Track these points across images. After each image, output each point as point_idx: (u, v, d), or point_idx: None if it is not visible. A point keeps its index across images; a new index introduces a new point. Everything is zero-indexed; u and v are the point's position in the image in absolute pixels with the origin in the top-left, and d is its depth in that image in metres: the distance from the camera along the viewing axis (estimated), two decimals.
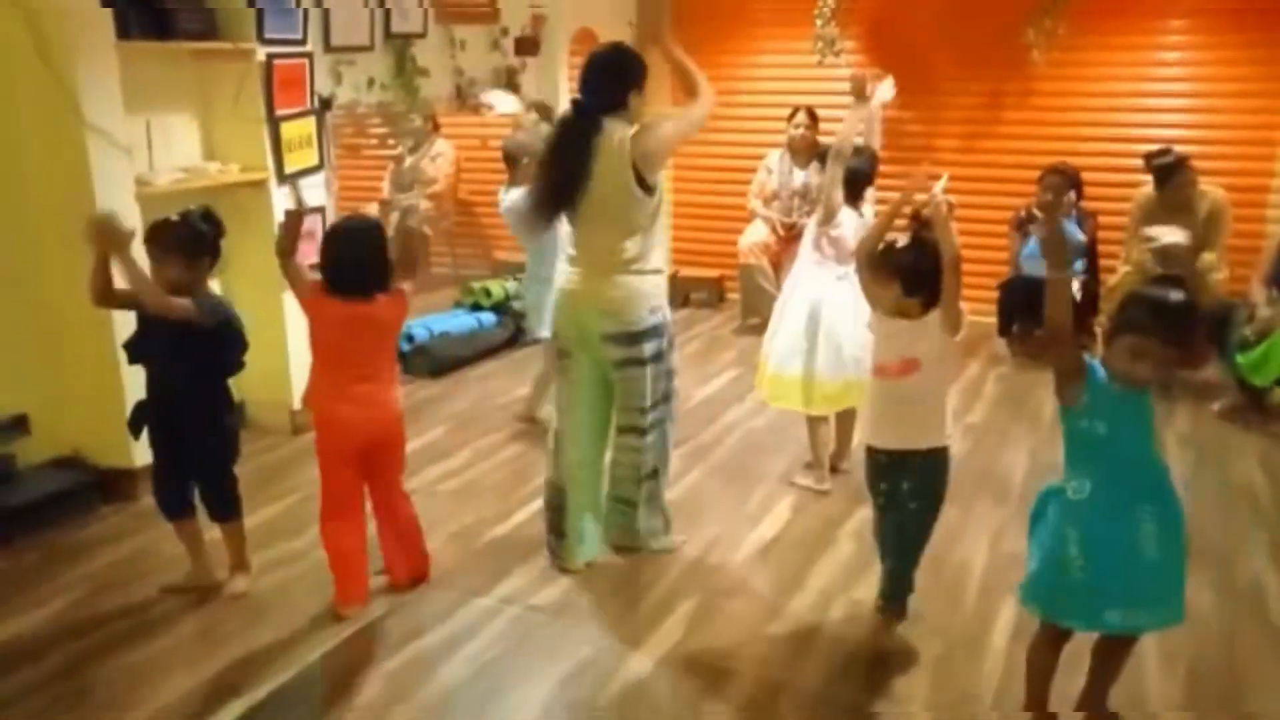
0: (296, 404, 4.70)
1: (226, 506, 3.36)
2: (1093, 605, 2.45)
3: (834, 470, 4.21)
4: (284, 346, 4.64)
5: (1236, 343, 4.86)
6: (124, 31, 3.88)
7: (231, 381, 3.30)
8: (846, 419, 4.21)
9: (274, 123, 4.47)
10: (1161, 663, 2.92)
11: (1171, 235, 5.17)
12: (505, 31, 6.21)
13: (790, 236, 6.43)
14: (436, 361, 5.72)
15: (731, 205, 6.93)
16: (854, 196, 3.97)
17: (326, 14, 4.73)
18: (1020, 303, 5.91)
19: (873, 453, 3.06)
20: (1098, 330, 5.97)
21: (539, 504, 4.05)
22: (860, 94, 3.85)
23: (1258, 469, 4.38)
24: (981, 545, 3.64)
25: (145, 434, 3.26)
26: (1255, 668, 2.98)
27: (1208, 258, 5.26)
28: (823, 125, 6.29)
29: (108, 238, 3.00)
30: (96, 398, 3.93)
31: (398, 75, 5.55)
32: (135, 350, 3.22)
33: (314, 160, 4.69)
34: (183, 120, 4.44)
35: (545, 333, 4.63)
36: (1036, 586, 2.54)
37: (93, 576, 3.49)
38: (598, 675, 2.95)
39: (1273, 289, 4.99)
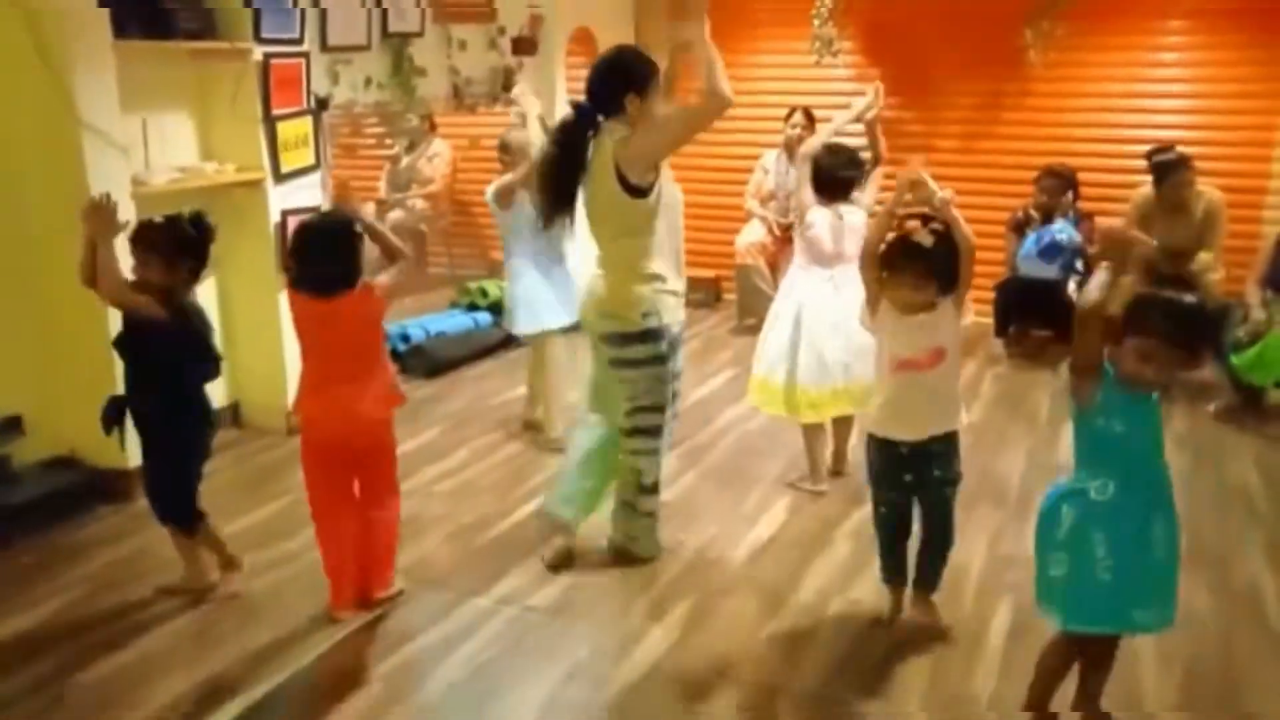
0: (292, 405, 4.69)
1: (175, 513, 3.28)
2: (1120, 607, 2.44)
3: (834, 474, 4.21)
4: (279, 347, 4.64)
5: (1230, 344, 4.87)
6: (121, 30, 3.87)
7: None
8: (843, 424, 4.21)
9: (270, 122, 4.46)
10: (1158, 663, 2.92)
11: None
12: (502, 31, 6.20)
13: (786, 237, 6.42)
14: (433, 361, 5.71)
15: (728, 205, 6.93)
16: (830, 196, 3.94)
17: (323, 13, 4.72)
18: (1017, 303, 5.93)
19: (892, 446, 3.04)
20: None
21: (537, 503, 4.06)
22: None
23: (1253, 470, 4.38)
24: (979, 546, 3.64)
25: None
26: (1252, 668, 2.98)
27: (1204, 258, 5.27)
28: (819, 126, 6.29)
29: (100, 220, 3.02)
30: (92, 398, 3.89)
31: (394, 75, 5.54)
32: (116, 346, 3.25)
33: (310, 160, 4.68)
34: (179, 120, 4.44)
35: (517, 329, 4.67)
36: (1060, 592, 2.49)
37: (89, 577, 3.48)
38: (595, 676, 2.95)
39: (1267, 290, 5.00)
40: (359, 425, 3.13)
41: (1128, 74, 6.24)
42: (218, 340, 3.39)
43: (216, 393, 4.58)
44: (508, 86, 6.23)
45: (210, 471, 4.22)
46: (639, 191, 3.21)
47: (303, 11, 4.52)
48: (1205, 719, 2.77)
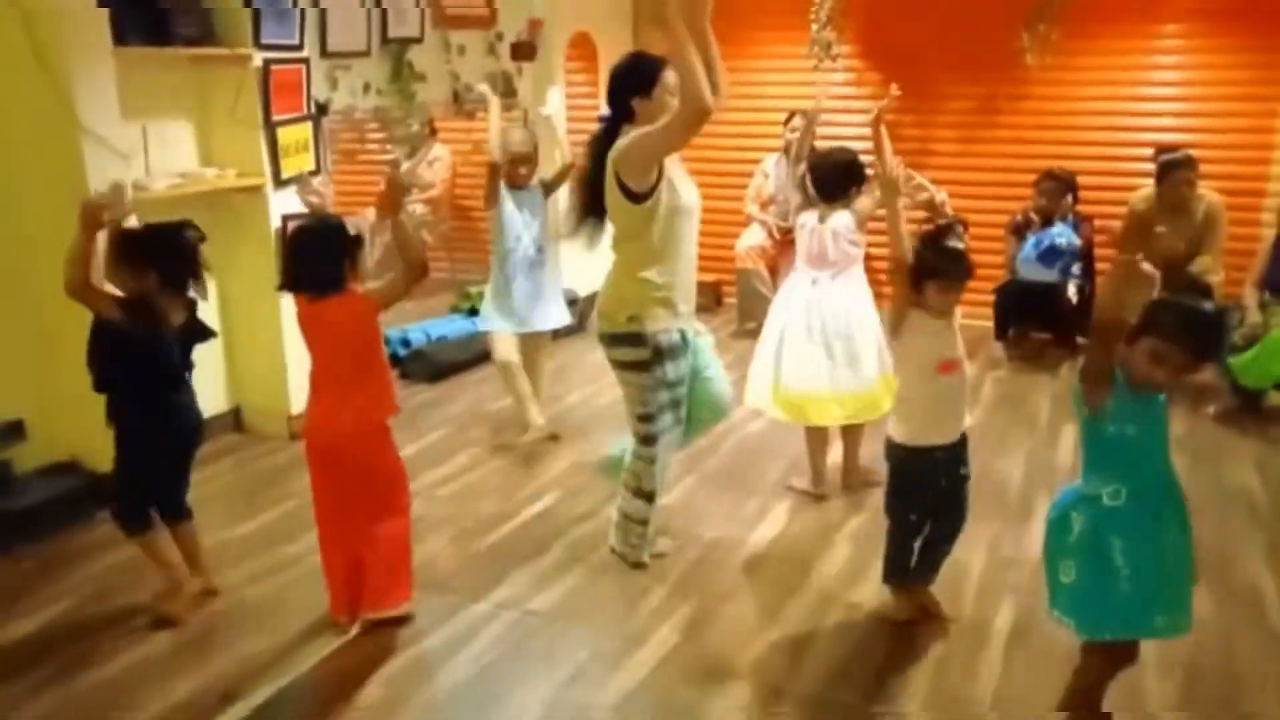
0: (294, 409, 4.70)
1: (117, 512, 3.27)
2: (1140, 613, 2.43)
3: (845, 488, 4.16)
4: (280, 352, 4.64)
5: (1227, 346, 4.87)
6: (121, 37, 3.88)
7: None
8: (853, 435, 4.15)
9: (271, 128, 4.47)
10: (1159, 665, 2.92)
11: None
12: (500, 36, 6.21)
13: (786, 241, 6.43)
14: (434, 366, 5.72)
15: (728, 209, 6.93)
16: (824, 200, 3.97)
17: (323, 19, 4.73)
18: (1016, 306, 5.94)
19: (929, 453, 3.05)
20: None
21: (537, 508, 4.08)
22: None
23: (1253, 472, 4.38)
24: (980, 548, 3.64)
25: None
26: (1253, 670, 2.98)
27: (1204, 261, 5.27)
28: (819, 129, 6.29)
29: (112, 204, 3.08)
30: (92, 403, 3.89)
31: (394, 80, 5.55)
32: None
33: (310, 165, 4.69)
34: (179, 125, 4.45)
35: (484, 325, 4.76)
36: (1075, 601, 2.48)
37: (90, 581, 3.49)
38: (596, 679, 2.95)
39: (1264, 292, 5.01)
40: (341, 436, 3.09)
41: (1126, 77, 6.25)
42: (212, 348, 3.37)
43: (216, 398, 4.63)
44: (508, 92, 6.26)
45: (211, 476, 4.28)
46: (635, 196, 3.22)
47: (302, 16, 4.53)
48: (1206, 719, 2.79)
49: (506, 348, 4.68)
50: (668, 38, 2.99)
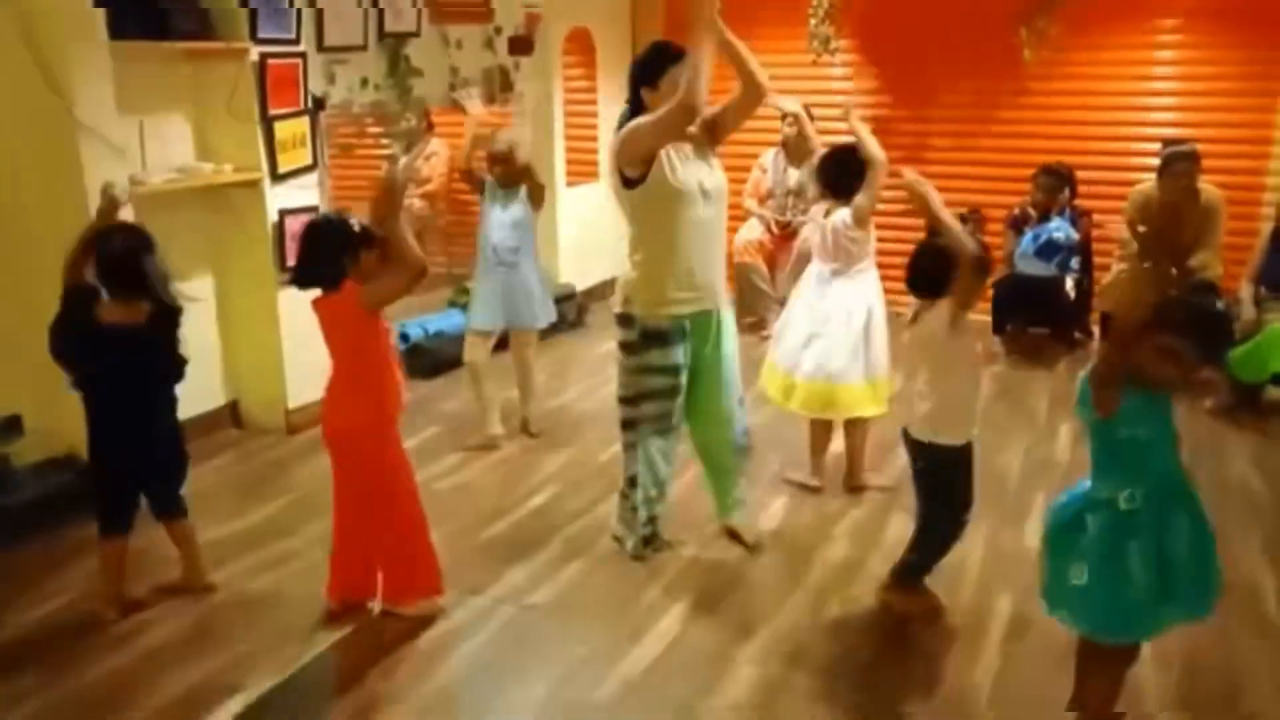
0: (291, 403, 4.69)
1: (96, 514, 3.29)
2: (1152, 616, 2.43)
3: (857, 489, 4.12)
4: (277, 346, 4.63)
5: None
6: (117, 31, 3.87)
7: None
8: (857, 434, 4.12)
9: (267, 123, 4.46)
10: (1157, 662, 2.92)
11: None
12: (499, 30, 6.20)
13: (785, 235, 6.44)
14: (431, 361, 5.71)
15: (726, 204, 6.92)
16: (833, 196, 4.03)
17: (320, 14, 4.72)
18: (1014, 301, 5.94)
19: (967, 450, 3.08)
20: (1093, 328, 6.01)
21: (535, 502, 4.07)
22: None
23: (1251, 467, 4.39)
24: (977, 543, 3.65)
25: None
26: (1251, 666, 2.98)
27: (1202, 256, 5.27)
28: (817, 124, 6.28)
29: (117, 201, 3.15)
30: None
31: (391, 75, 5.53)
32: None
33: (307, 160, 4.68)
34: (176, 120, 4.43)
35: (468, 322, 4.76)
36: (1085, 603, 2.46)
37: (89, 575, 3.47)
38: (594, 674, 2.95)
39: (1260, 287, 5.01)
40: (331, 429, 3.12)
41: (1123, 72, 6.24)
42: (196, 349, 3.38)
43: (213, 392, 4.63)
44: (505, 87, 6.25)
45: (209, 470, 4.27)
46: (628, 182, 3.29)
47: (299, 12, 4.52)
48: (1204, 718, 2.78)
49: (476, 350, 4.66)
50: (688, 36, 3.17)
